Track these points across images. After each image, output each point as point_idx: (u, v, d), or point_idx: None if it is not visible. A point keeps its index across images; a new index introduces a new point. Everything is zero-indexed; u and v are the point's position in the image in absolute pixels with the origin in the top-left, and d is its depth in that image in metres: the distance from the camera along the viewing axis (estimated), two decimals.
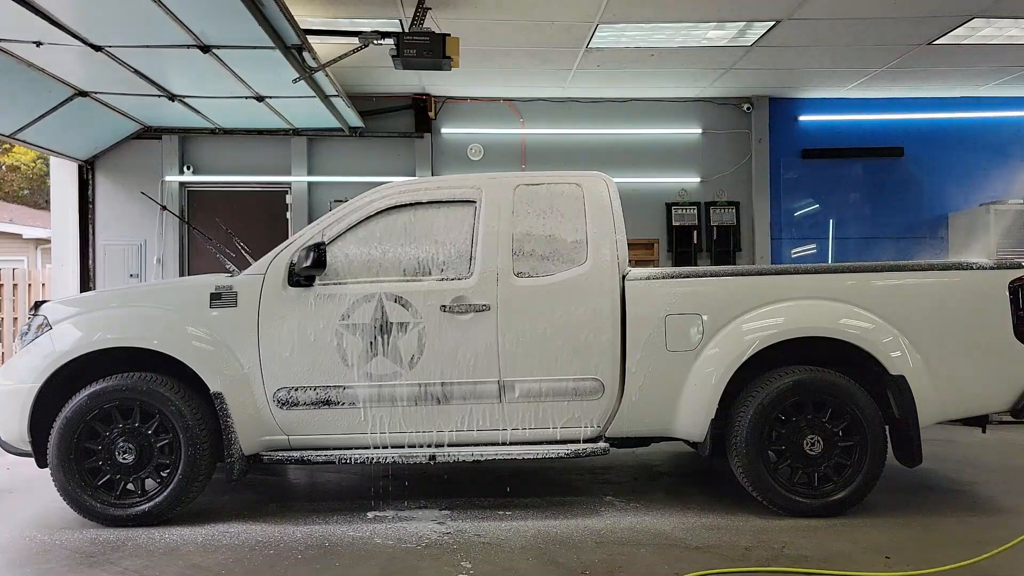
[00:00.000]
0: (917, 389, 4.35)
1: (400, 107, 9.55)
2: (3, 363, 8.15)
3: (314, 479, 5.60)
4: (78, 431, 4.31)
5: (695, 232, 9.67)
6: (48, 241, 11.99)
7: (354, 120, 8.94)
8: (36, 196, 24.30)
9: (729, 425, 4.45)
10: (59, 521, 4.50)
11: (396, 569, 3.67)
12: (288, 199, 9.44)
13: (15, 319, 11.53)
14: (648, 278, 4.55)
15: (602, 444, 4.49)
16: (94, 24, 5.87)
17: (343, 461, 4.41)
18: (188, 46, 6.22)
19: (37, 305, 4.69)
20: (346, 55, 6.79)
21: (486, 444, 4.49)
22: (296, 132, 9.34)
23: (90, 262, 9.31)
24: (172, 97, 7.76)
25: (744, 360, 4.38)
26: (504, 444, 4.49)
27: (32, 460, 4.48)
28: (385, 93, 9.43)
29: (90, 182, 9.31)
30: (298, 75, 6.80)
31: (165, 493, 4.33)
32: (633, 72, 8.67)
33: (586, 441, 4.51)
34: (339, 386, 4.42)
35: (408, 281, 4.51)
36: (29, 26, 5.70)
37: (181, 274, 9.26)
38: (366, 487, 5.25)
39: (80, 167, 9.26)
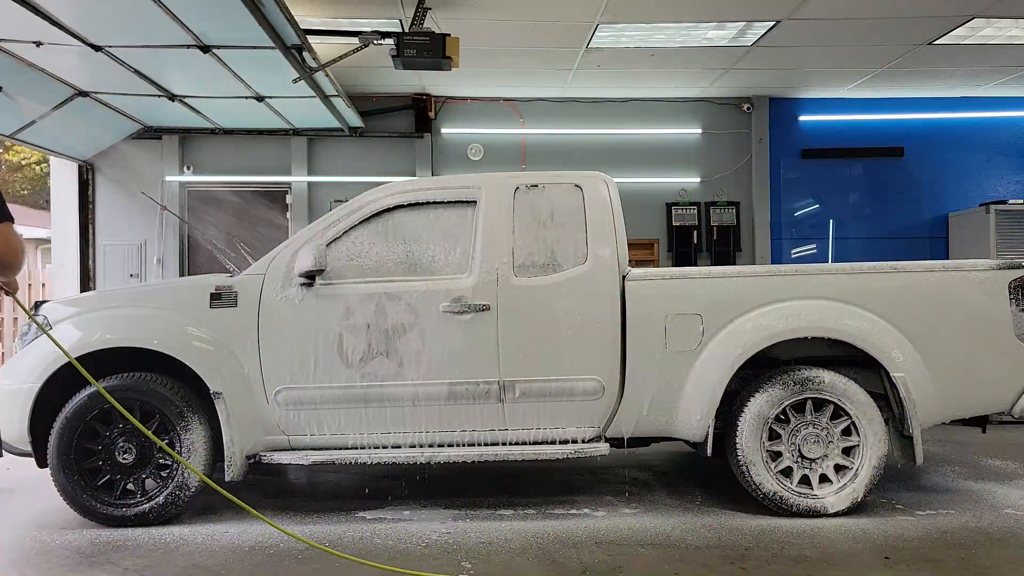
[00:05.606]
0: (917, 389, 4.35)
1: (400, 107, 9.55)
2: (3, 363, 8.15)
3: (314, 479, 5.60)
4: (78, 431, 4.31)
5: (695, 232, 9.67)
6: (48, 241, 11.99)
7: (354, 120, 8.94)
8: (36, 196, 24.30)
9: (729, 425, 4.46)
10: (59, 521, 4.50)
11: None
12: (288, 199, 9.44)
13: (15, 319, 11.54)
14: (648, 278, 4.55)
15: (602, 444, 4.48)
16: (94, 24, 5.87)
17: (343, 461, 4.41)
18: (188, 46, 6.23)
19: (37, 305, 4.69)
20: (346, 55, 6.80)
21: (486, 444, 4.48)
22: (296, 132, 9.34)
23: (90, 262, 9.32)
24: (172, 97, 7.76)
25: (744, 360, 4.38)
26: (504, 444, 4.48)
27: (32, 460, 4.48)
28: (385, 93, 9.44)
29: (90, 182, 9.32)
30: (298, 75, 6.81)
31: (165, 493, 4.33)
32: (633, 72, 8.67)
33: (586, 441, 4.51)
34: (339, 386, 4.42)
35: (408, 281, 4.50)
36: (29, 26, 5.70)
37: (181, 274, 9.25)
38: (366, 487, 5.25)
39: (80, 167, 9.26)
